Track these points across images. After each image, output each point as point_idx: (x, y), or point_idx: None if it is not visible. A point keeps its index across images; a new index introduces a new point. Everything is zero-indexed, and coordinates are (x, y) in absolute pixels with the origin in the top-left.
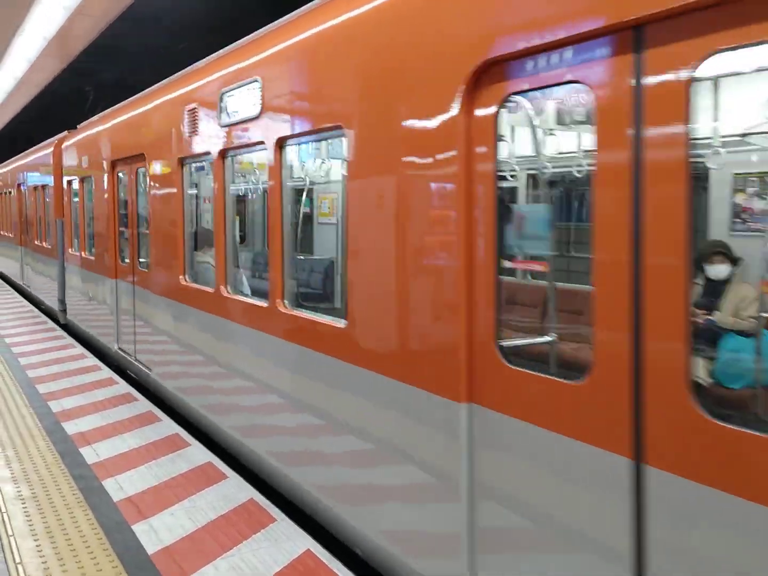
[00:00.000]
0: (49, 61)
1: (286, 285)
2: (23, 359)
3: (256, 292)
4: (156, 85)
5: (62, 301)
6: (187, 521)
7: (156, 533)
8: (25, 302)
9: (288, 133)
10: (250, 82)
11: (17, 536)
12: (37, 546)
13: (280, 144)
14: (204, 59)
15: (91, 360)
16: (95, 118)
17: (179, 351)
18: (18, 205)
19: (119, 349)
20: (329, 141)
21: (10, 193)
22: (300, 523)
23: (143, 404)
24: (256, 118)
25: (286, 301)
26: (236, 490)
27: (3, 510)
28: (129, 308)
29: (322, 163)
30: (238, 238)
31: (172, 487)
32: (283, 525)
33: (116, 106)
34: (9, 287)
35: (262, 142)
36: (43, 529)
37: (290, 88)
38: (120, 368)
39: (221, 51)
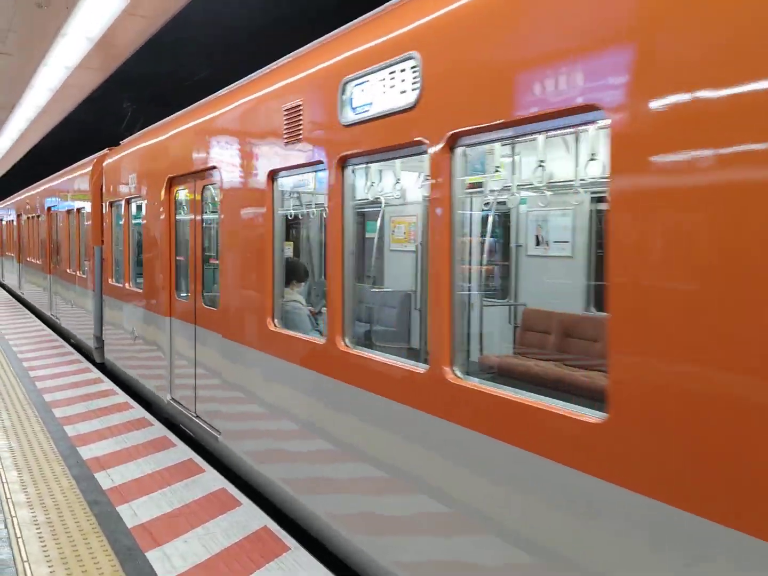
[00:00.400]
0: (70, 90)
1: (457, 343)
2: (39, 383)
3: (389, 347)
4: (233, 84)
5: (99, 338)
6: (201, 548)
7: (169, 560)
8: (54, 335)
9: (469, 125)
10: (401, 61)
11: (32, 563)
12: (51, 573)
13: (452, 142)
14: (315, 41)
15: (107, 384)
16: (145, 131)
17: (267, 417)
18: (47, 231)
19: (172, 399)
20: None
21: (38, 217)
22: (314, 552)
23: (158, 429)
24: (410, 109)
25: (456, 369)
26: (249, 517)
27: (18, 535)
28: (188, 353)
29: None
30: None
31: (186, 514)
32: (297, 554)
33: (174, 115)
34: (37, 319)
35: (419, 142)
36: (58, 555)
37: (478, 60)
38: (171, 421)
39: (340, 29)
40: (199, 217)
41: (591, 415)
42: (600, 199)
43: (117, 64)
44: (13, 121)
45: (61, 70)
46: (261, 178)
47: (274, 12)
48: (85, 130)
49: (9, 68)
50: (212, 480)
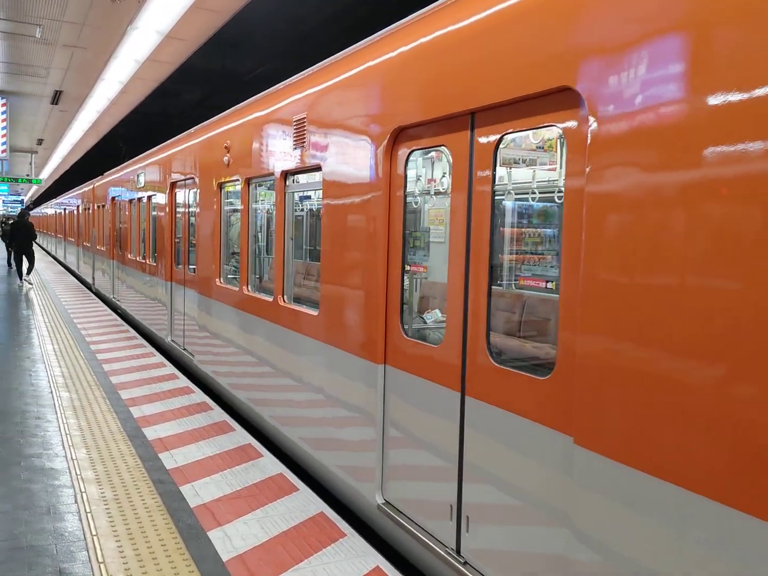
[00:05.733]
0: (139, 84)
1: None
2: (106, 366)
3: None
4: None
5: None
6: (260, 530)
7: (230, 540)
8: (120, 319)
9: None
10: None
11: (101, 536)
12: (119, 547)
13: None
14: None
15: (170, 369)
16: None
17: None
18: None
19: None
20: None
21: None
22: (369, 539)
23: (218, 413)
24: None
25: None
26: (306, 502)
27: (87, 510)
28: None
29: None
30: None
31: (245, 496)
32: (353, 540)
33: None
34: (103, 303)
35: None
36: (125, 530)
37: None
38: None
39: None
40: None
41: None
42: None
43: (184, 57)
44: (84, 112)
45: (130, 63)
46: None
47: (340, 2)
48: (152, 122)
49: (83, 61)
50: (271, 465)
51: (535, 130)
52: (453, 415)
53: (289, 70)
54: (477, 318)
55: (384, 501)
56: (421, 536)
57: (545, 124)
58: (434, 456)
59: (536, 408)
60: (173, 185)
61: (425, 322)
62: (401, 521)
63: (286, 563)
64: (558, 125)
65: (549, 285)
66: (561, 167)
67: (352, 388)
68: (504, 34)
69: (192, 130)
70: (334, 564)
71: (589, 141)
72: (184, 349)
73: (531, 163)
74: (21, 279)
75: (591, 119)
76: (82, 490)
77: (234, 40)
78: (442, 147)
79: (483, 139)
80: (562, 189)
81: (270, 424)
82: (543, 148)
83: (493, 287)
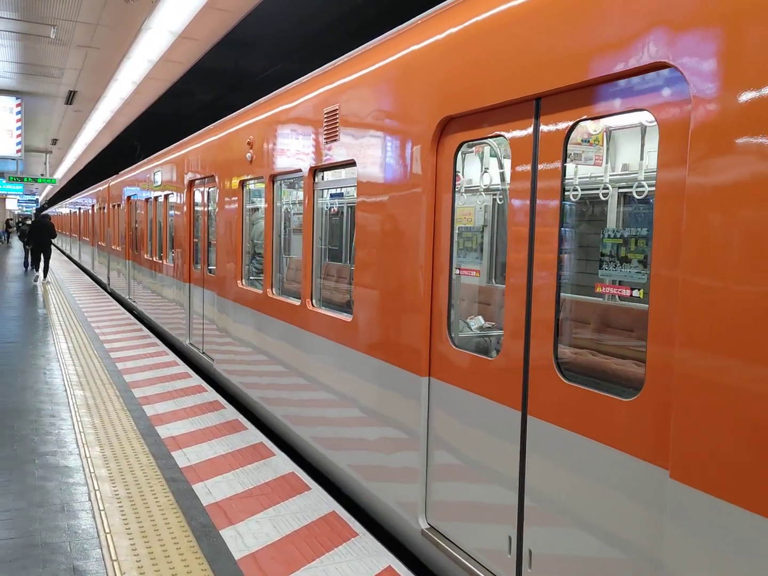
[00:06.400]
0: (152, 84)
1: None
2: (120, 364)
3: None
4: None
5: None
6: (272, 529)
7: (242, 539)
8: (133, 318)
9: None
10: None
11: (114, 534)
12: (132, 545)
13: None
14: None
15: (183, 367)
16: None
17: None
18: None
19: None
20: None
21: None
22: (381, 539)
23: (230, 412)
24: None
25: None
26: (318, 501)
27: (101, 508)
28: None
29: None
30: None
31: (257, 495)
32: (365, 540)
33: None
34: (117, 303)
35: None
36: (138, 528)
37: None
38: None
39: None
40: None
41: None
42: None
43: (197, 57)
44: (98, 112)
45: (144, 63)
46: None
47: (348, 3)
48: (165, 121)
49: (97, 62)
50: (282, 463)
51: (603, 119)
52: (512, 437)
53: (302, 70)
54: (542, 328)
55: (428, 526)
56: (473, 568)
57: (627, 109)
58: (488, 481)
59: (618, 434)
60: (191, 183)
61: (470, 329)
62: (448, 549)
63: (298, 562)
64: (647, 110)
65: (636, 293)
66: (606, 162)
67: (392, 403)
68: (574, 5)
69: (211, 126)
70: (346, 563)
71: (692, 127)
72: (203, 353)
73: (582, 159)
74: (36, 277)
75: (695, 100)
76: (96, 487)
77: (246, 40)
78: (499, 138)
79: (550, 127)
80: (608, 186)
81: (299, 437)
82: (589, 141)
83: (561, 294)
